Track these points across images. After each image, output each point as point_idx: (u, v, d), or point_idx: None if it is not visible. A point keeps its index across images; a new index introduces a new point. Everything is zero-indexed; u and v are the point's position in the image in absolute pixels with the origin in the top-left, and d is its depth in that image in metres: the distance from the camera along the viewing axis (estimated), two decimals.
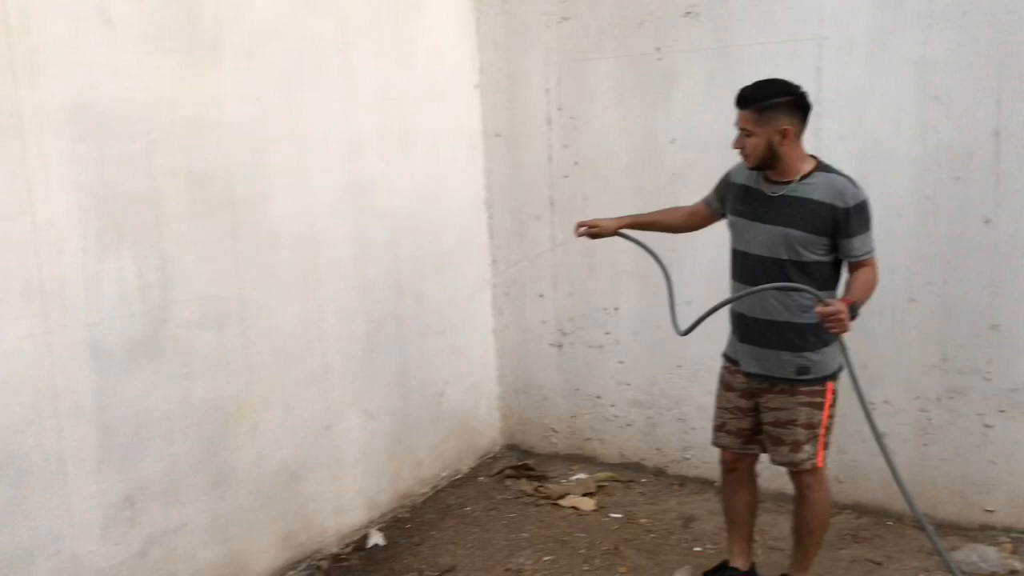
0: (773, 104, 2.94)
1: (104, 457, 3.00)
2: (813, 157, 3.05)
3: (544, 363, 4.91)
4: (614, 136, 4.45)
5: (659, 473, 4.63)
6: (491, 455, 5.04)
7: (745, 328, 3.16)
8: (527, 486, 4.58)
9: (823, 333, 2.90)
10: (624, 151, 4.43)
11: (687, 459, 4.53)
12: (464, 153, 4.73)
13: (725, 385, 3.30)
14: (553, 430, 4.95)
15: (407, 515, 4.31)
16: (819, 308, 2.79)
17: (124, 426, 3.06)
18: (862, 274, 2.98)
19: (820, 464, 3.12)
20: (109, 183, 2.97)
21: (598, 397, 4.78)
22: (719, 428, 3.32)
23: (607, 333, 4.68)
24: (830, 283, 3.04)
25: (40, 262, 2.78)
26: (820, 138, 3.83)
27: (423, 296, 4.44)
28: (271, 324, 3.60)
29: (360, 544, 4.01)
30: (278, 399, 3.65)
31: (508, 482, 4.67)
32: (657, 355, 4.52)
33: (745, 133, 2.99)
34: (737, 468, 3.34)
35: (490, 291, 4.96)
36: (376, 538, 4.04)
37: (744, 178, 3.14)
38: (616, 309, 4.63)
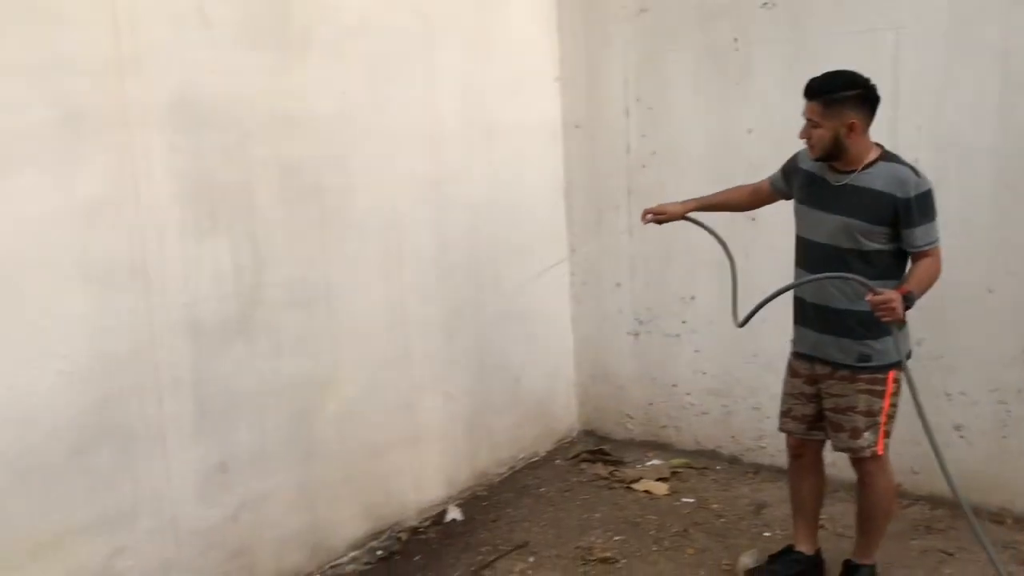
0: (842, 97, 2.96)
1: (200, 426, 3.24)
2: (878, 145, 3.07)
3: (621, 351, 5.00)
4: (691, 126, 4.51)
5: (734, 461, 4.68)
6: (568, 440, 5.16)
7: (806, 314, 3.21)
8: (602, 470, 4.69)
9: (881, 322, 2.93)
10: (701, 141, 4.49)
11: (762, 447, 4.56)
12: (543, 144, 4.85)
13: (791, 371, 3.35)
14: (629, 417, 5.04)
15: (484, 493, 4.48)
16: (870, 297, 2.83)
17: (218, 398, 3.30)
18: (922, 264, 2.99)
19: (880, 452, 3.15)
20: (206, 172, 3.21)
21: (674, 385, 4.85)
22: (785, 414, 3.38)
23: (683, 322, 4.75)
24: (893, 271, 3.05)
25: (144, 244, 3.03)
26: (897, 128, 3.83)
27: (501, 283, 4.58)
28: (356, 307, 3.80)
29: (438, 518, 4.19)
30: (362, 378, 3.85)
31: (584, 466, 4.79)
32: (733, 344, 4.55)
33: (812, 124, 3.03)
34: (803, 454, 3.39)
35: (568, 279, 5.08)
36: (454, 513, 4.22)
37: (809, 165, 3.18)
38: (692, 298, 4.69)
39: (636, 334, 4.92)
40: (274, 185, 3.44)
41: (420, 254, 4.10)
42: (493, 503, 4.38)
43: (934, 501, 4.02)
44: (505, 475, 4.68)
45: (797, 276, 3.23)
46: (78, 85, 2.85)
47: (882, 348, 3.07)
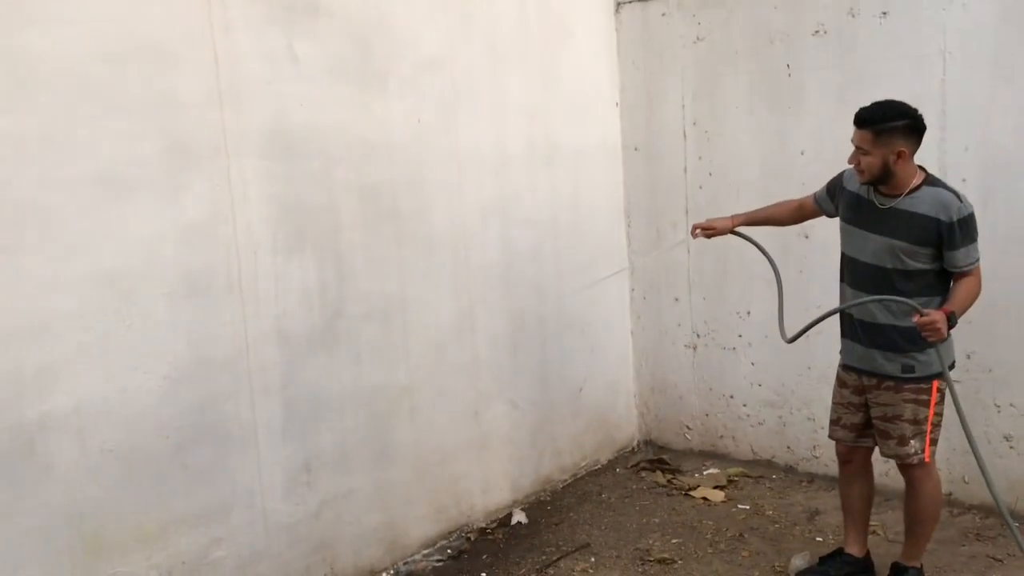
0: (891, 127, 3.11)
1: (287, 428, 3.54)
2: (922, 170, 3.24)
3: (679, 363, 5.19)
4: (746, 148, 4.70)
5: (789, 470, 4.83)
6: (629, 448, 5.36)
7: (853, 328, 3.39)
8: (661, 478, 4.88)
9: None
10: (755, 162, 4.67)
11: (816, 457, 4.71)
12: (604, 166, 5.09)
13: (840, 382, 3.53)
14: (688, 427, 5.22)
15: (548, 498, 4.70)
16: (917, 319, 3.00)
17: (304, 402, 3.59)
18: (964, 284, 3.15)
19: (928, 459, 3.30)
20: (295, 196, 3.51)
21: (731, 397, 5.02)
22: (834, 422, 3.56)
23: (740, 336, 4.92)
24: (935, 289, 3.21)
25: (240, 261, 3.34)
26: (946, 148, 3.99)
27: (564, 298, 4.82)
28: (428, 319, 4.07)
29: (504, 521, 4.43)
30: (433, 385, 4.12)
31: (643, 474, 4.98)
32: (788, 357, 4.70)
33: (861, 152, 3.18)
34: (852, 460, 3.56)
35: (628, 294, 5.29)
36: (519, 516, 4.45)
37: (856, 187, 3.35)
38: (748, 313, 4.87)
39: (694, 347, 5.10)
40: (355, 207, 3.73)
41: (488, 270, 4.36)
42: (556, 507, 4.60)
43: (985, 510, 4.13)
44: (568, 481, 4.90)
45: (842, 292, 3.42)
46: (182, 118, 3.17)
47: (925, 359, 3.23)
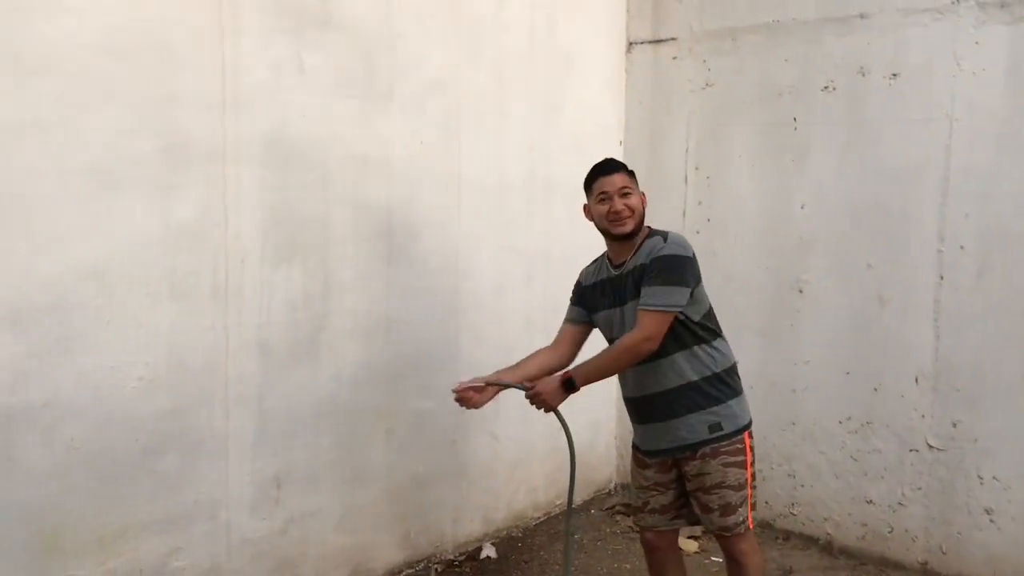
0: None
1: (260, 441, 3.47)
2: (648, 228, 3.12)
3: None
4: (746, 197, 4.69)
5: (765, 525, 4.75)
6: (605, 490, 5.29)
7: (640, 411, 3.14)
8: (635, 523, 4.80)
9: (723, 385, 3.00)
10: (755, 212, 4.66)
11: (794, 514, 4.65)
12: None
13: (639, 463, 3.24)
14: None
15: (519, 535, 4.62)
16: (525, 394, 3.04)
17: (279, 416, 3.52)
18: (621, 339, 2.95)
19: (751, 525, 3.06)
20: (289, 206, 3.47)
21: None
22: (641, 509, 3.26)
23: None
24: (688, 340, 2.98)
25: (227, 267, 3.29)
26: (945, 215, 3.99)
27: (551, 332, 4.74)
28: (413, 342, 4.02)
29: (474, 554, 4.35)
30: (412, 410, 4.05)
31: (618, 517, 4.90)
32: (771, 411, 4.65)
33: (626, 192, 3.03)
34: (660, 547, 3.27)
35: None
36: (488, 551, 4.37)
37: (592, 278, 3.23)
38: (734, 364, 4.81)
39: None
40: (348, 222, 3.69)
41: (476, 297, 4.31)
42: (527, 545, 4.52)
43: None
44: (541, 519, 4.82)
45: (622, 382, 3.20)
46: (183, 119, 3.14)
47: (728, 412, 3.00)
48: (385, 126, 3.81)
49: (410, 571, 4.10)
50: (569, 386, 3.00)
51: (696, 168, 4.88)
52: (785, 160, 4.54)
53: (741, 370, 4.81)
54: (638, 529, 3.41)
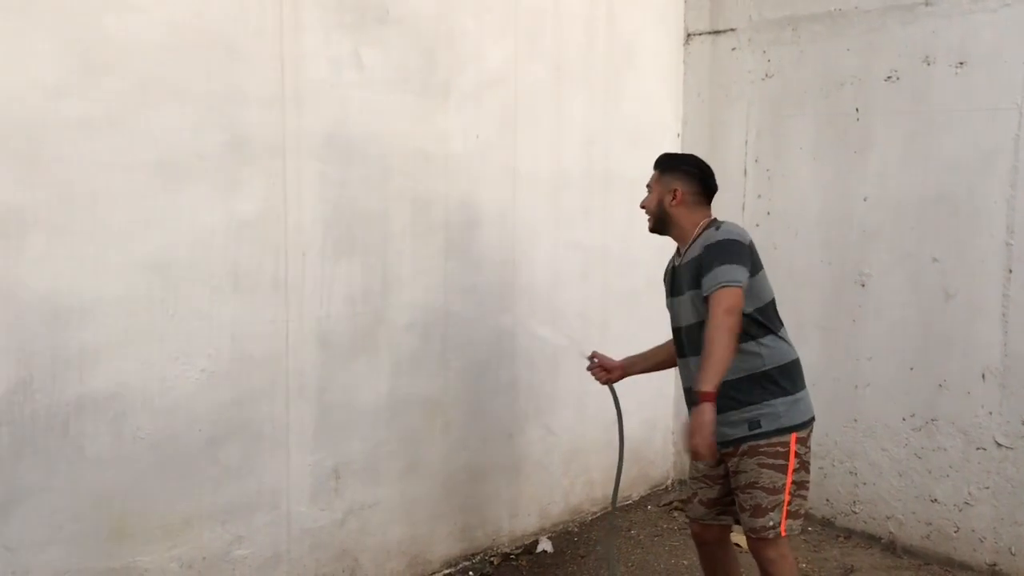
0: (672, 168, 3.12)
1: (319, 432, 3.51)
2: (713, 220, 3.11)
3: None
4: (807, 190, 4.61)
5: (826, 523, 4.69)
6: (663, 487, 5.26)
7: (690, 403, 3.02)
8: (685, 513, 4.76)
9: (770, 383, 2.93)
10: (816, 205, 4.58)
11: (855, 512, 4.56)
12: None
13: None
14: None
15: (576, 529, 4.62)
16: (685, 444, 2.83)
17: (338, 408, 3.56)
18: (706, 335, 2.83)
19: (784, 533, 2.97)
20: (349, 200, 3.51)
21: None
22: (690, 499, 3.27)
23: None
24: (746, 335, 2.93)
25: (288, 260, 3.34)
26: (1015, 207, 3.88)
27: (608, 327, 4.75)
28: (469, 336, 4.03)
29: (530, 548, 4.35)
30: (469, 403, 4.07)
31: (676, 514, 4.87)
32: (834, 408, 4.58)
33: (648, 189, 3.16)
34: (707, 540, 3.27)
35: None
36: (545, 544, 4.37)
37: (669, 264, 3.22)
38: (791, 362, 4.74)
39: None
40: (407, 216, 3.72)
41: (534, 290, 4.31)
42: (584, 539, 4.51)
43: None
44: (598, 514, 4.81)
45: (680, 367, 3.21)
46: (246, 114, 3.19)
47: (771, 411, 2.94)
48: (443, 121, 3.83)
49: (466, 563, 4.12)
50: (707, 401, 2.77)
51: (756, 161, 4.82)
52: (847, 152, 4.45)
53: (803, 365, 4.77)
54: (687, 520, 3.38)
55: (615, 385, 3.50)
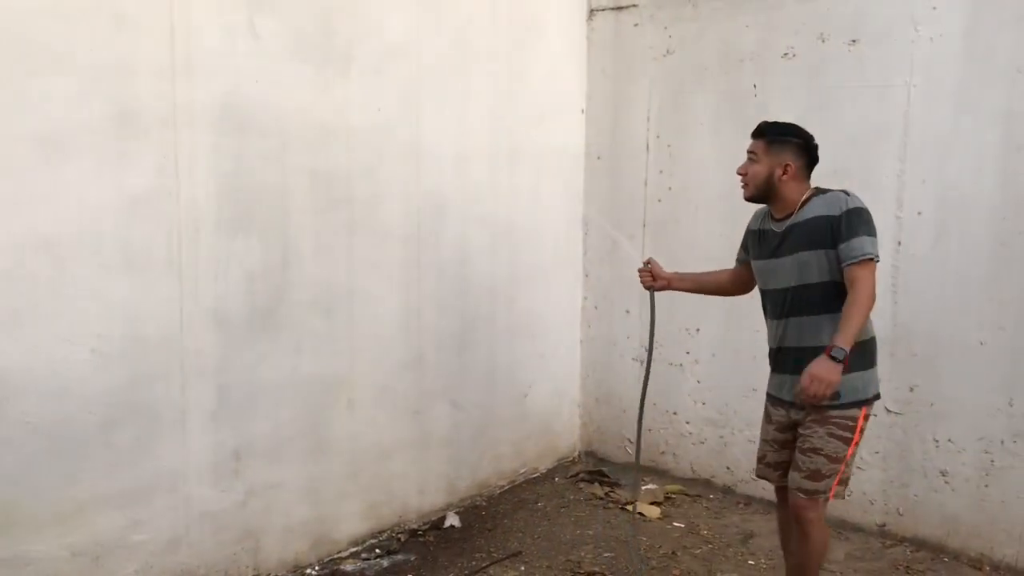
0: (783, 141, 3.14)
1: (219, 413, 3.43)
2: (815, 188, 3.17)
3: (625, 376, 5.16)
4: (708, 165, 4.69)
5: (727, 491, 4.81)
6: (569, 459, 5.32)
7: (778, 360, 3.22)
8: (599, 490, 4.84)
9: (854, 355, 2.91)
10: (716, 180, 4.66)
11: (755, 479, 4.68)
12: (566, 172, 5.05)
13: (767, 417, 3.34)
14: (629, 441, 5.19)
15: (483, 503, 4.64)
16: (796, 389, 2.91)
17: (238, 388, 3.48)
18: (852, 293, 2.93)
19: (832, 497, 3.08)
20: (244, 174, 3.41)
21: (674, 413, 5.00)
22: (760, 460, 3.38)
23: (687, 352, 4.90)
24: (840, 302, 2.99)
25: (181, 237, 3.23)
26: (904, 182, 4.01)
27: (515, 302, 4.76)
28: (375, 312, 3.99)
29: (437, 523, 4.35)
30: (375, 381, 4.03)
31: (582, 485, 4.94)
32: (734, 377, 4.71)
33: (752, 159, 3.19)
34: (786, 500, 3.31)
35: (580, 302, 5.26)
36: (452, 520, 4.37)
37: (757, 224, 3.30)
38: (697, 330, 4.85)
39: (641, 361, 5.07)
40: (306, 191, 3.64)
41: (440, 267, 4.28)
42: (491, 513, 4.54)
43: (917, 543, 4.13)
44: (505, 487, 4.84)
45: (768, 327, 3.27)
46: (133, 86, 3.07)
47: (850, 384, 2.99)
48: (343, 93, 3.75)
49: (373, 541, 4.10)
50: (839, 357, 2.82)
51: (658, 136, 4.87)
52: (746, 128, 4.45)
53: (704, 337, 4.87)
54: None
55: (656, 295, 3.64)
